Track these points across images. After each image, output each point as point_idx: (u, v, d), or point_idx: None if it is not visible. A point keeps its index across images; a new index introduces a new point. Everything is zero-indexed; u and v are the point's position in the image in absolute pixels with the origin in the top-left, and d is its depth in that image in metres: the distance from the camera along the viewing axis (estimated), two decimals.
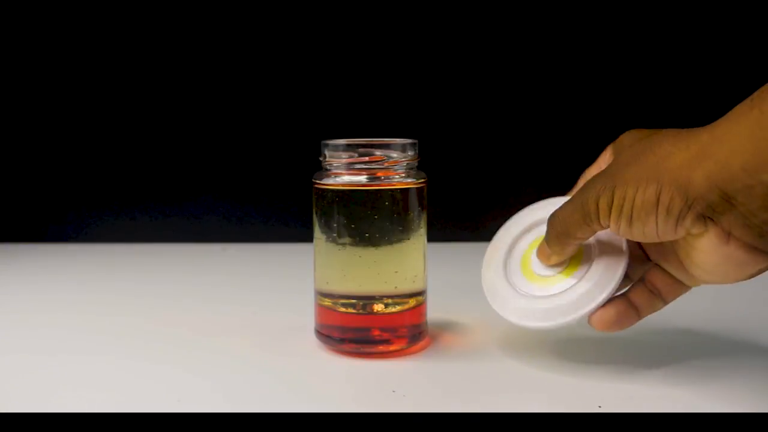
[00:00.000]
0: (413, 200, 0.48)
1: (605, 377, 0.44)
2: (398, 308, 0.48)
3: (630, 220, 0.39)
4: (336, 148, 0.48)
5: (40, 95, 0.91)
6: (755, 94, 0.36)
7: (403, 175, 0.48)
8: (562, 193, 0.49)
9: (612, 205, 0.40)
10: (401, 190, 0.48)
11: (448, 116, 0.90)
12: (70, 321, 0.58)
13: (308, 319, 0.52)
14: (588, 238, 0.43)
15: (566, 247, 0.44)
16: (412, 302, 0.49)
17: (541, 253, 0.46)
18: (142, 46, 0.89)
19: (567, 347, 0.50)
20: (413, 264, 0.48)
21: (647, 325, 0.45)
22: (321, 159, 0.49)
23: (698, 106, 0.89)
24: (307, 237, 0.51)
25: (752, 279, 0.37)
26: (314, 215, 0.49)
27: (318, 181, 0.49)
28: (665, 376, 0.44)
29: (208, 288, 0.70)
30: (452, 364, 0.46)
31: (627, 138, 0.45)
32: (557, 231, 0.44)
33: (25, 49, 0.89)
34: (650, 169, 0.38)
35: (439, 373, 0.45)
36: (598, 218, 0.41)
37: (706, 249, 0.38)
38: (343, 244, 0.47)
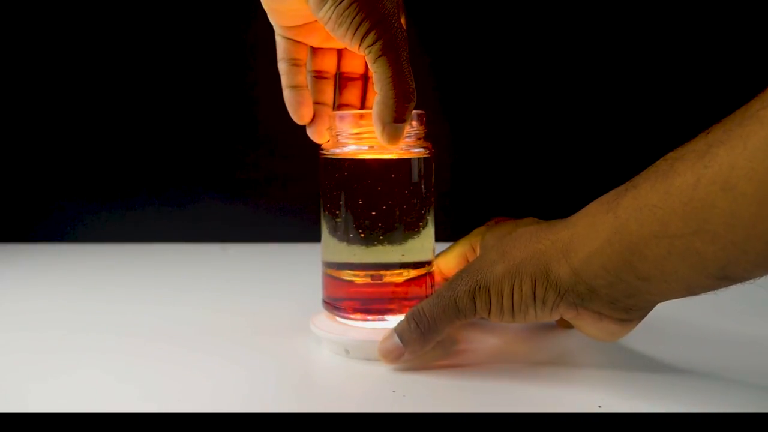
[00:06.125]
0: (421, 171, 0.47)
1: (605, 377, 0.44)
2: (405, 277, 0.48)
3: (512, 313, 0.43)
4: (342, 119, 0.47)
5: (33, 94, 0.91)
6: (611, 194, 0.40)
7: (413, 145, 0.47)
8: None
9: (491, 303, 0.43)
10: (409, 160, 0.47)
11: (449, 116, 0.90)
12: (69, 320, 0.58)
13: (309, 319, 0.51)
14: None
15: (428, 344, 0.45)
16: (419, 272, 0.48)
17: (389, 355, 0.45)
18: (139, 42, 0.89)
19: (567, 347, 0.50)
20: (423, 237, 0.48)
21: (647, 325, 0.45)
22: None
23: (695, 110, 0.89)
24: (308, 237, 0.51)
25: (752, 281, 0.37)
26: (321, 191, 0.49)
27: (324, 152, 0.48)
28: (665, 375, 0.44)
29: (207, 288, 0.70)
30: (452, 364, 0.46)
31: (492, 234, 0.48)
32: (424, 328, 0.44)
33: (10, 47, 0.89)
34: (521, 266, 0.42)
35: (439, 373, 0.45)
36: (474, 313, 0.44)
37: (582, 325, 0.43)
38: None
